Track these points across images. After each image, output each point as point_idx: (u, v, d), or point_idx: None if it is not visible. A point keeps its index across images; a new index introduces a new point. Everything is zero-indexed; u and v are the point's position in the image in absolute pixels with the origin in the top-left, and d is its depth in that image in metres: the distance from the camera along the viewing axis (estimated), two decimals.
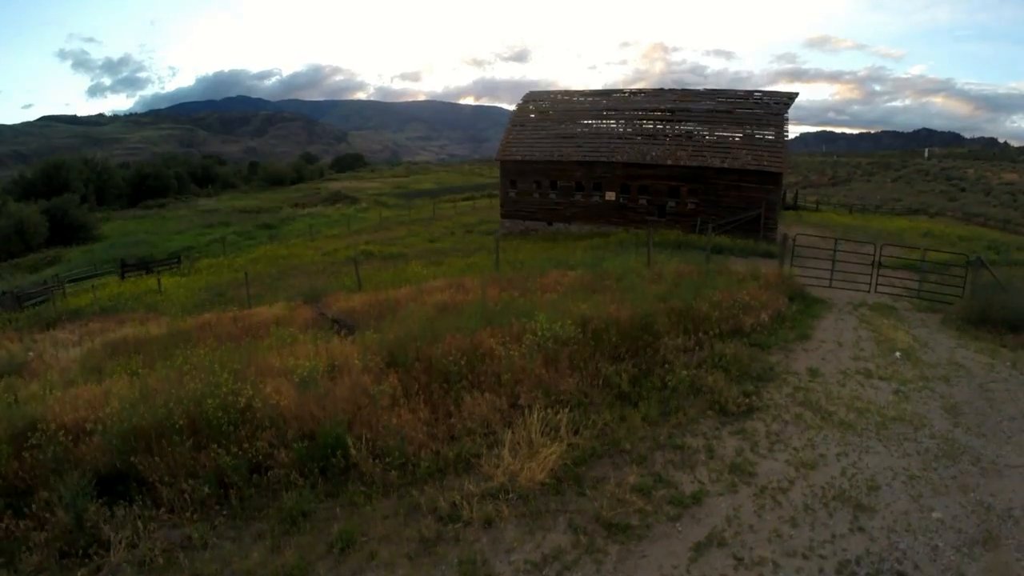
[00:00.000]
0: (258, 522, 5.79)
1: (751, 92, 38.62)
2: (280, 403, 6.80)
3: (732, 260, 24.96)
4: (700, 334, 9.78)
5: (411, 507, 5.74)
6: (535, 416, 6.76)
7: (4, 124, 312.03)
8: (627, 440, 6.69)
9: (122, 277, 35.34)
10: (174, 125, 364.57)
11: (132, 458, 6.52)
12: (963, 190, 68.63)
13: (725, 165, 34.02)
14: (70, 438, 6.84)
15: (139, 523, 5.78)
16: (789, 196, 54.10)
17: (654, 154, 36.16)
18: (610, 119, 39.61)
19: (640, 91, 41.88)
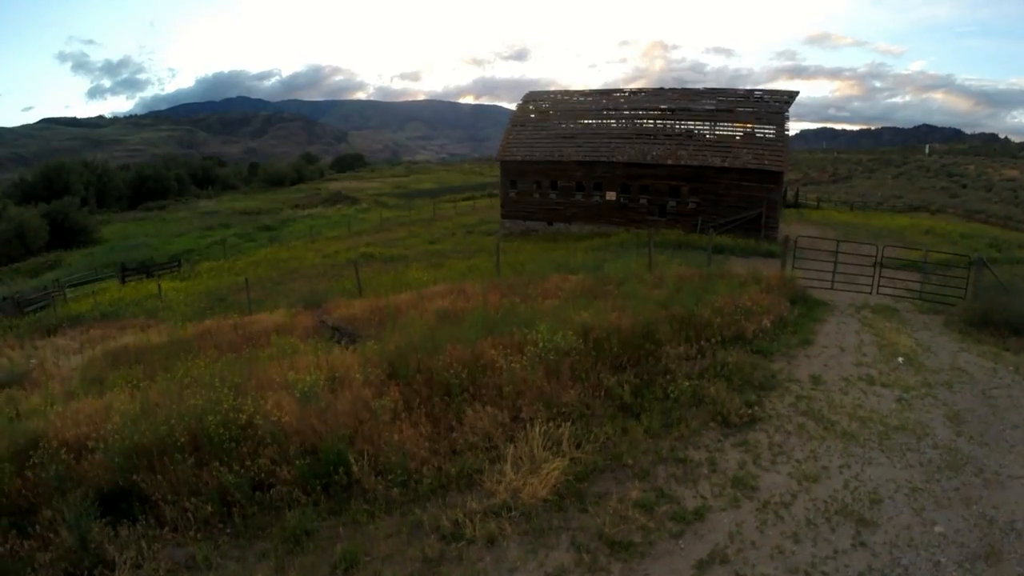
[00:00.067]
0: (262, 541, 5.79)
1: (751, 91, 38.55)
2: (281, 419, 6.79)
3: (733, 261, 24.94)
4: (702, 342, 9.77)
5: (414, 525, 5.73)
6: (537, 430, 6.75)
7: (4, 127, 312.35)
8: (629, 454, 6.68)
9: (123, 282, 35.34)
10: (174, 126, 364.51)
11: (134, 476, 6.53)
12: (964, 186, 68.52)
13: (726, 164, 33.98)
14: (72, 456, 6.86)
15: (143, 543, 5.79)
16: (790, 194, 54.06)
17: (655, 154, 36.11)
18: (610, 119, 39.59)
19: (640, 90, 41.84)
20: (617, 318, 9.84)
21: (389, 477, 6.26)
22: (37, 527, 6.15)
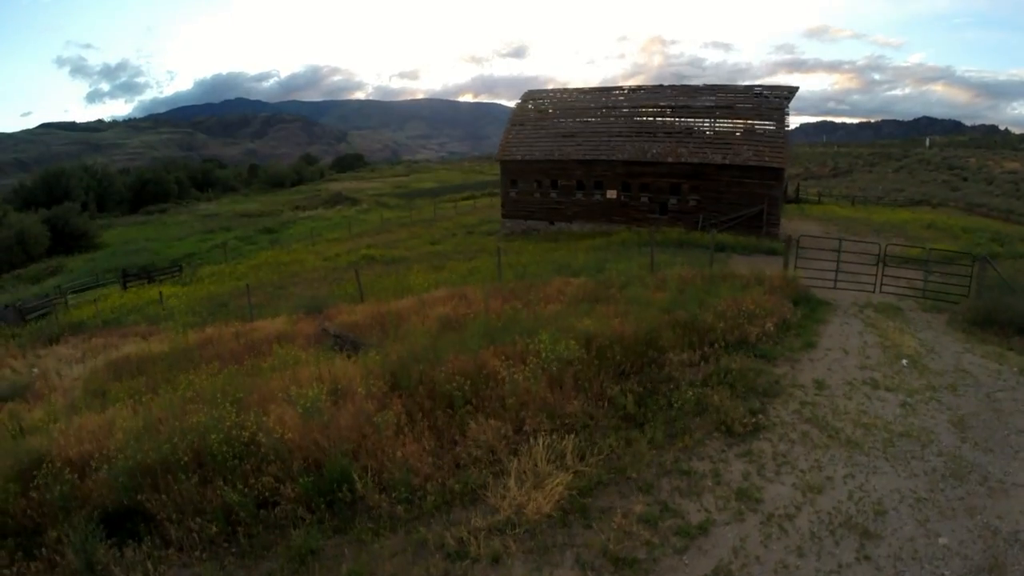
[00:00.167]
0: (267, 561, 5.78)
1: (751, 87, 38.43)
2: (284, 435, 6.77)
3: (735, 260, 24.90)
4: (705, 348, 9.75)
5: (419, 544, 5.72)
6: (540, 443, 6.74)
7: (3, 132, 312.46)
8: (633, 467, 6.67)
9: (124, 287, 35.36)
10: (173, 129, 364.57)
11: (139, 495, 6.53)
12: (965, 179, 68.25)
13: (726, 161, 33.89)
14: (76, 475, 6.85)
15: (149, 564, 5.80)
16: (791, 189, 53.94)
17: (655, 151, 36.04)
18: (610, 117, 39.50)
19: (640, 87, 41.74)
20: (620, 325, 9.82)
21: (393, 494, 6.24)
22: (43, 549, 6.16)
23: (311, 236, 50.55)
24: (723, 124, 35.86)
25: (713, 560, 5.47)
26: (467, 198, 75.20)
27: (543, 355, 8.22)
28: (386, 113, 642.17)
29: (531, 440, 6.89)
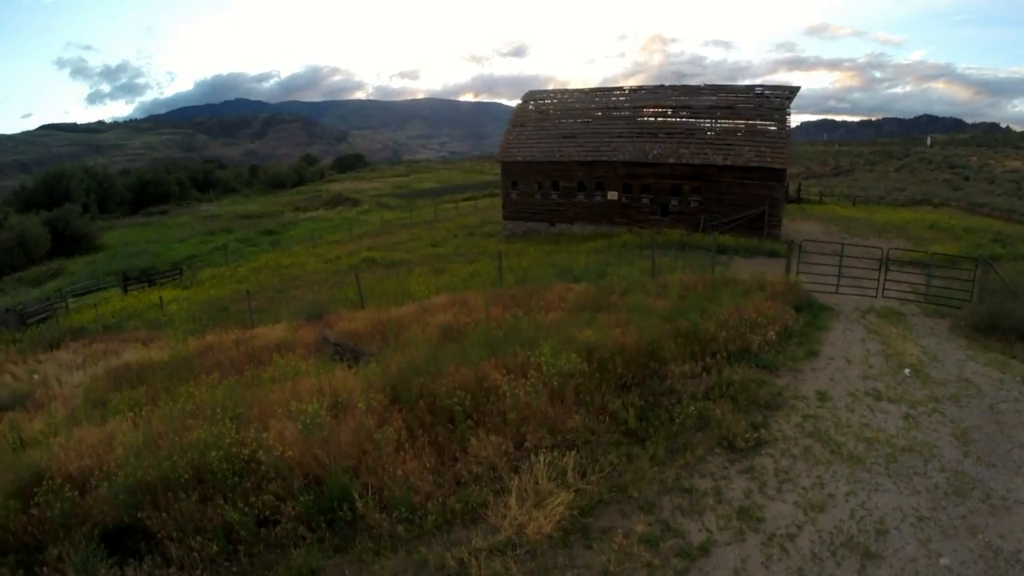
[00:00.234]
0: None
1: (752, 86, 38.37)
2: (285, 453, 6.74)
3: (737, 262, 24.88)
4: (707, 359, 9.71)
5: (419, 564, 5.68)
6: (542, 460, 6.70)
7: (4, 134, 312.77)
8: (634, 485, 6.62)
9: (124, 291, 35.39)
10: (174, 130, 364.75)
11: (139, 513, 6.51)
12: (967, 178, 68.14)
13: (728, 162, 33.85)
14: (76, 492, 6.83)
15: None
16: (792, 188, 53.87)
17: (656, 152, 36.00)
18: (611, 117, 39.44)
19: (641, 88, 41.68)
20: (621, 335, 9.78)
21: (394, 513, 6.21)
22: (44, 567, 6.13)
23: (312, 238, 50.57)
24: (724, 124, 35.82)
25: None
26: (468, 199, 75.22)
27: (544, 369, 8.18)
28: (386, 113, 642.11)
29: (532, 457, 6.86)
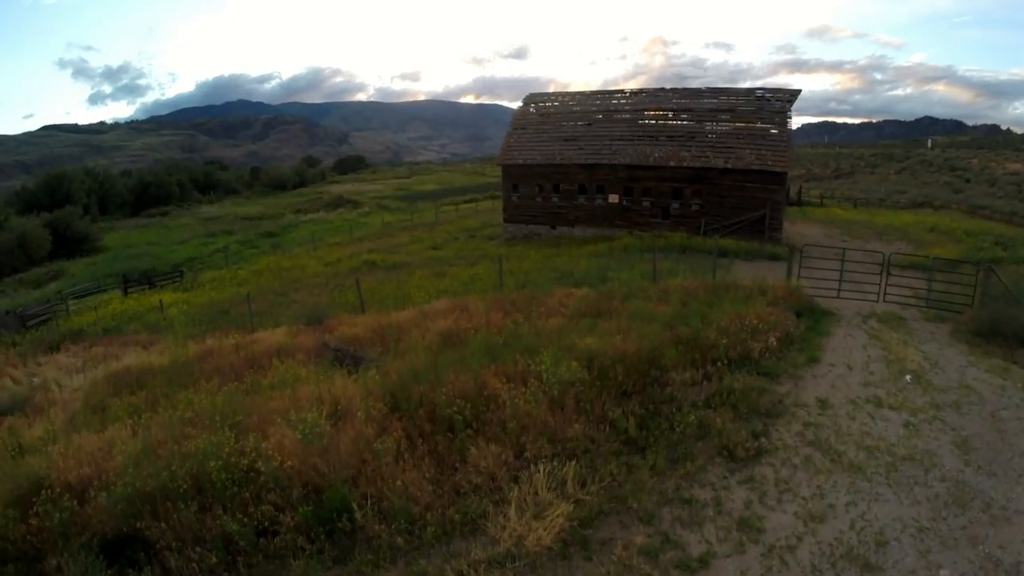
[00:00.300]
0: None
1: (753, 89, 38.35)
2: (284, 463, 6.72)
3: (738, 266, 24.86)
4: (708, 366, 9.68)
5: None
6: (541, 470, 6.68)
7: (6, 134, 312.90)
8: (634, 496, 6.60)
9: (125, 293, 35.36)
10: (175, 131, 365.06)
11: (138, 523, 6.50)
12: (968, 181, 68.08)
13: (729, 165, 33.85)
14: (75, 501, 6.81)
15: None
16: (793, 191, 53.82)
17: (657, 155, 35.98)
18: (612, 120, 39.42)
19: (642, 90, 41.68)
20: (622, 342, 9.76)
21: (393, 525, 6.19)
22: None
23: (312, 240, 50.58)
24: (725, 127, 35.79)
25: None
26: (469, 201, 75.21)
27: (545, 378, 8.16)
28: (387, 114, 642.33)
29: (532, 467, 6.84)
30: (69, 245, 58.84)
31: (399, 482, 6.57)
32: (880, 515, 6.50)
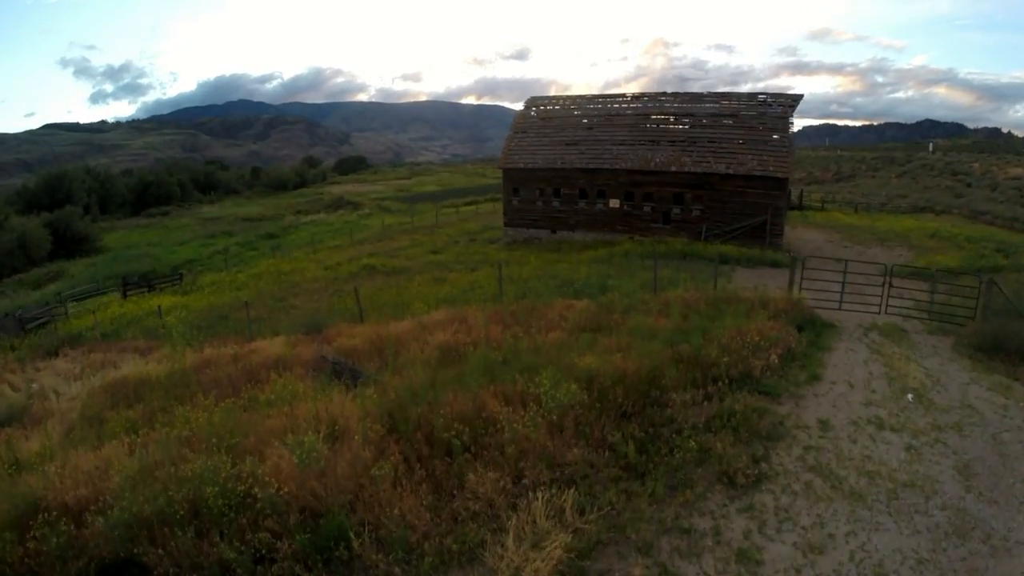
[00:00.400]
0: None
1: (755, 94, 38.31)
2: (281, 490, 6.67)
3: (739, 272, 24.84)
4: (709, 386, 9.62)
5: None
6: (540, 499, 6.62)
7: (7, 133, 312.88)
8: (632, 525, 6.52)
9: (124, 296, 35.34)
10: (177, 130, 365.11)
11: (135, 549, 6.46)
12: (969, 185, 67.96)
13: (730, 171, 33.83)
14: (73, 525, 6.78)
15: None
16: (794, 195, 53.74)
17: (658, 160, 35.96)
18: (613, 124, 39.39)
19: (643, 94, 41.63)
20: (622, 361, 9.71)
21: (391, 554, 6.13)
22: None
23: (312, 242, 50.56)
24: (727, 132, 35.73)
25: None
26: (469, 203, 75.15)
27: (544, 401, 8.11)
28: (389, 115, 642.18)
29: (530, 494, 6.78)
30: (69, 245, 58.87)
31: (396, 510, 6.51)
32: (880, 546, 6.44)
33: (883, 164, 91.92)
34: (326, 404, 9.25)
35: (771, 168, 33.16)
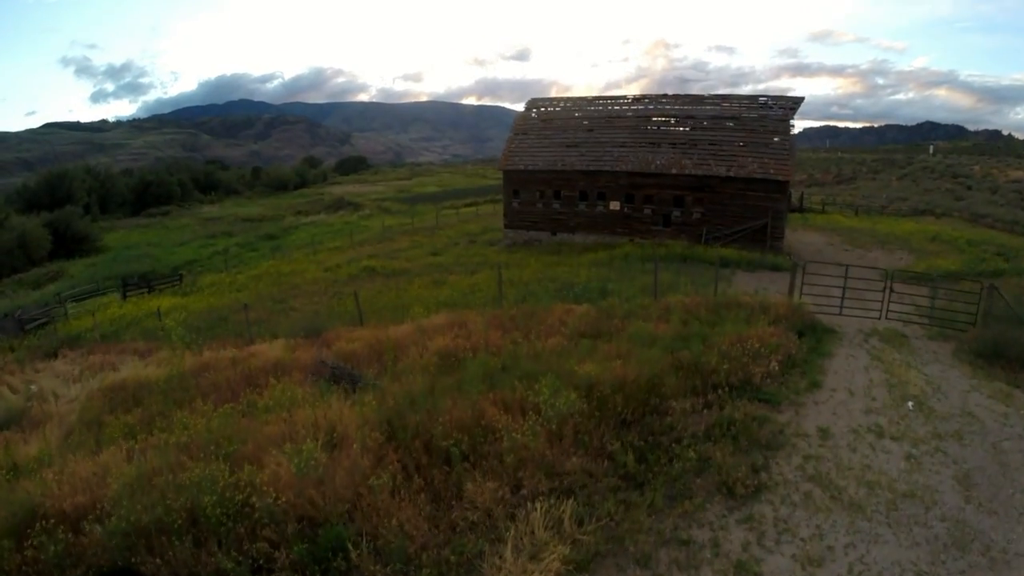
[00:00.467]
0: None
1: (756, 97, 38.30)
2: (279, 500, 6.65)
3: (739, 276, 24.82)
4: (709, 393, 9.61)
5: None
6: (538, 509, 6.60)
7: (8, 131, 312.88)
8: (631, 537, 6.49)
9: (124, 297, 35.32)
10: (177, 130, 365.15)
11: (133, 558, 6.44)
12: (969, 188, 67.89)
13: (731, 173, 33.78)
14: (70, 533, 6.76)
15: None
16: (795, 197, 53.71)
17: (659, 162, 35.92)
18: (614, 126, 39.36)
19: (644, 96, 41.61)
20: (621, 368, 9.69)
21: (389, 565, 6.11)
22: None
23: (312, 244, 50.52)
24: (728, 135, 35.68)
25: None
26: (470, 204, 75.14)
27: (543, 410, 8.09)
28: (390, 115, 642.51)
29: (529, 504, 6.75)
30: (69, 245, 58.85)
31: (395, 520, 6.49)
32: (879, 558, 6.41)
33: (884, 166, 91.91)
34: (325, 411, 9.24)
35: (772, 171, 33.12)
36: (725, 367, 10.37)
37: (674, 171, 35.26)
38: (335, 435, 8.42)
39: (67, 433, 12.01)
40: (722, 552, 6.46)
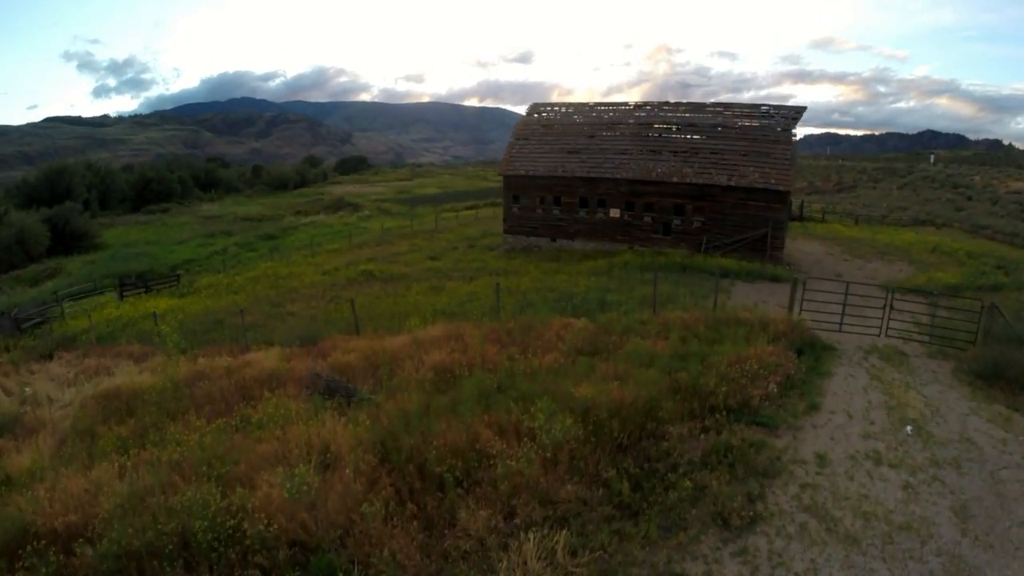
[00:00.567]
0: None
1: (758, 105, 38.24)
2: (270, 526, 6.58)
3: (739, 287, 24.76)
4: (706, 418, 9.55)
5: None
6: (532, 540, 6.53)
7: (9, 125, 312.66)
8: (624, 570, 6.41)
9: (121, 297, 35.22)
10: (179, 126, 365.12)
11: None
12: (970, 199, 67.89)
13: (732, 183, 33.73)
14: (62, 554, 6.71)
15: None
16: (795, 205, 53.67)
17: (659, 171, 35.86)
18: (615, 133, 39.30)
19: (646, 103, 41.54)
20: (619, 391, 9.61)
21: None
22: None
23: (311, 245, 50.44)
24: (729, 144, 35.61)
25: None
26: (470, 207, 75.08)
27: (538, 436, 8.02)
28: (391, 115, 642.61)
29: (522, 534, 6.68)
30: (68, 242, 58.76)
31: (387, 550, 6.42)
32: None
33: (884, 175, 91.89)
34: (318, 429, 9.17)
35: (773, 181, 33.07)
36: (723, 389, 10.30)
37: (675, 179, 35.21)
38: (328, 455, 8.36)
39: (60, 442, 11.91)
40: None
